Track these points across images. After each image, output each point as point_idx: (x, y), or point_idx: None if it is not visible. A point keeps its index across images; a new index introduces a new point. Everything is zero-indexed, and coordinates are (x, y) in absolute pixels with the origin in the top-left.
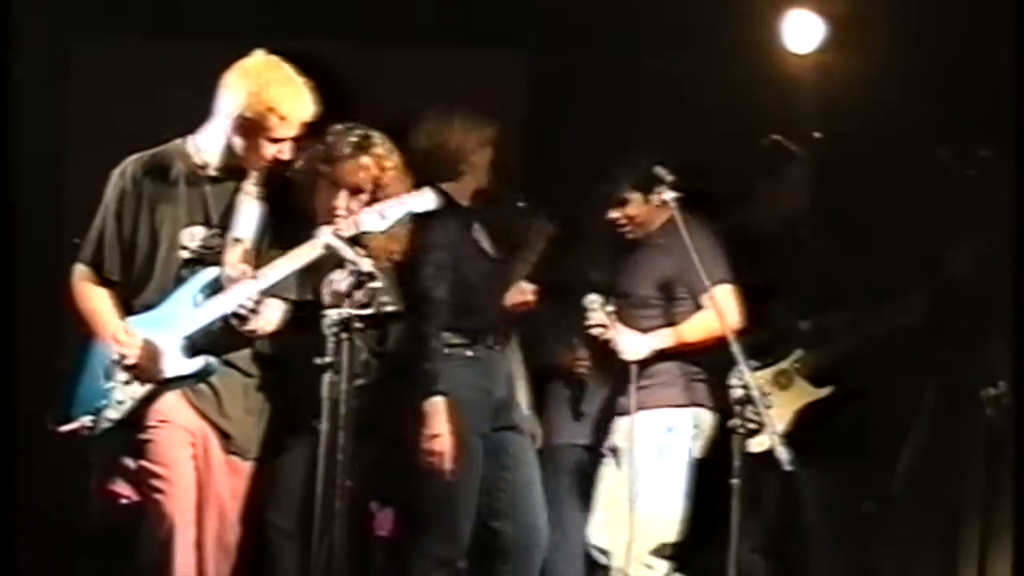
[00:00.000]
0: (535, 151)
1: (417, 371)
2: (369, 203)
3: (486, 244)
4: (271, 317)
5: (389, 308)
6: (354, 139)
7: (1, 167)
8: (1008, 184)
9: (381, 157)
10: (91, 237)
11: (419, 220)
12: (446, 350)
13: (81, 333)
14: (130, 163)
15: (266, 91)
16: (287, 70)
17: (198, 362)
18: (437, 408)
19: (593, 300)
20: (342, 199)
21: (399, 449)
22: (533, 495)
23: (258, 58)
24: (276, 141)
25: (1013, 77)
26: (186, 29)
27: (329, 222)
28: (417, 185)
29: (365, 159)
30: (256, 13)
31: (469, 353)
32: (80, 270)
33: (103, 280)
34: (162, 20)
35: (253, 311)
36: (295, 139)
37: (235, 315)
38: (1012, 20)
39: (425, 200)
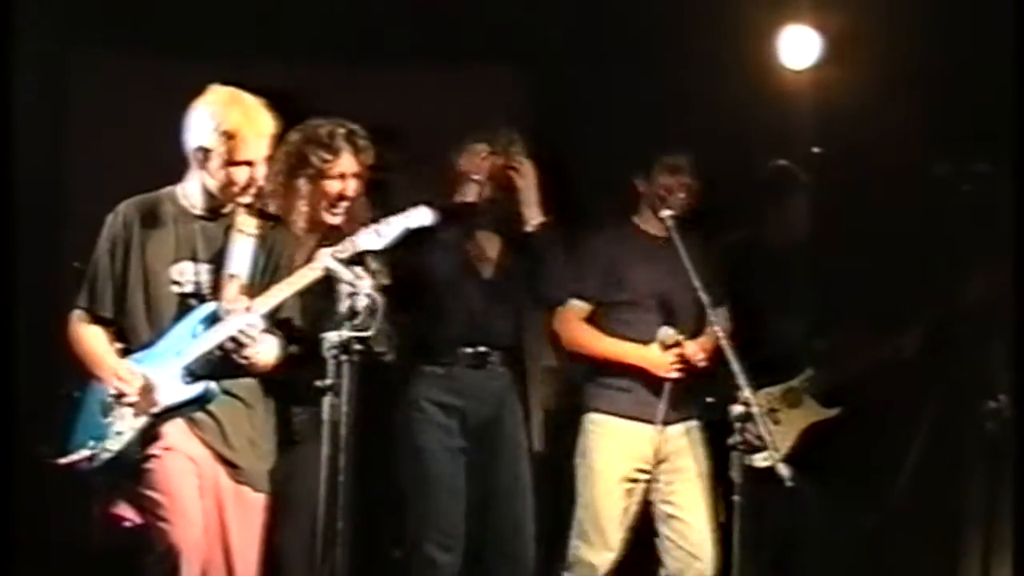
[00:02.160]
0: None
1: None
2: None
3: (481, 263)
4: (269, 350)
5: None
6: (342, 131)
7: (2, 193)
8: (1007, 197)
9: (363, 154)
10: (86, 281)
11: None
12: (425, 368)
13: (79, 368)
14: (123, 207)
15: (217, 118)
16: (240, 95)
17: (198, 387)
18: None
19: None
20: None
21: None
22: (513, 517)
23: (210, 92)
24: (241, 164)
25: (1012, 91)
26: (186, 50)
27: (312, 230)
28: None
29: (349, 158)
30: (253, 33)
31: (440, 371)
32: (77, 315)
33: (99, 322)
34: (165, 40)
35: (251, 338)
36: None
37: (234, 341)
38: (1009, 34)
39: (421, 216)
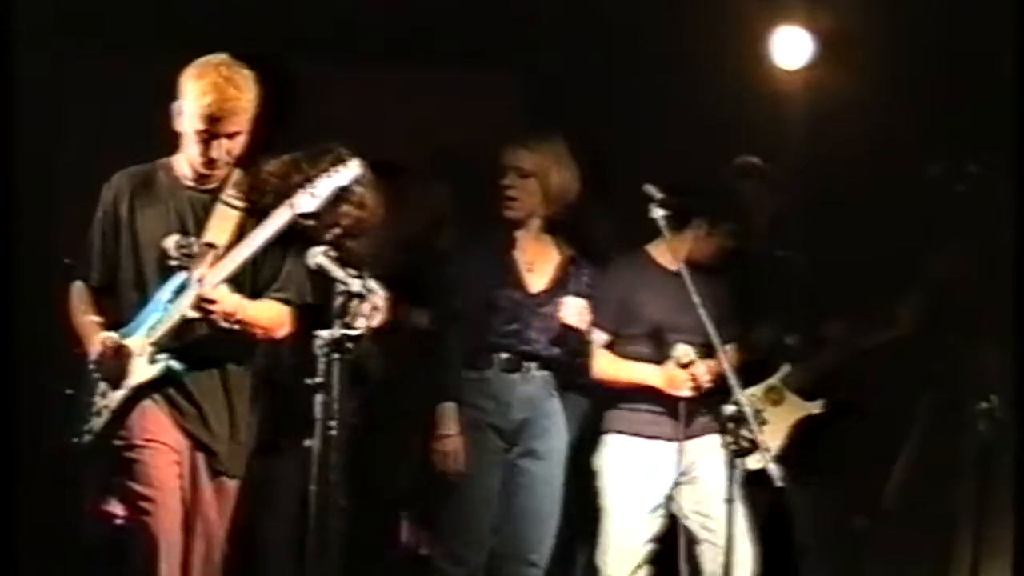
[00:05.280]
0: None
1: (431, 382)
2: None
3: (525, 268)
4: (274, 317)
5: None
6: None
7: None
8: (1004, 197)
9: (362, 198)
10: (82, 252)
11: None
12: (461, 371)
13: (77, 352)
14: (117, 177)
15: (196, 93)
16: (225, 66)
17: (158, 366)
18: (448, 411)
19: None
20: None
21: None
22: (535, 525)
23: (201, 60)
24: (222, 137)
25: (1010, 90)
26: (185, 45)
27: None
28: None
29: (345, 207)
30: (255, 31)
31: (474, 375)
32: (75, 286)
33: (94, 294)
34: (163, 37)
35: (209, 301)
36: (249, 135)
37: (198, 312)
38: (1003, 34)
39: (351, 172)
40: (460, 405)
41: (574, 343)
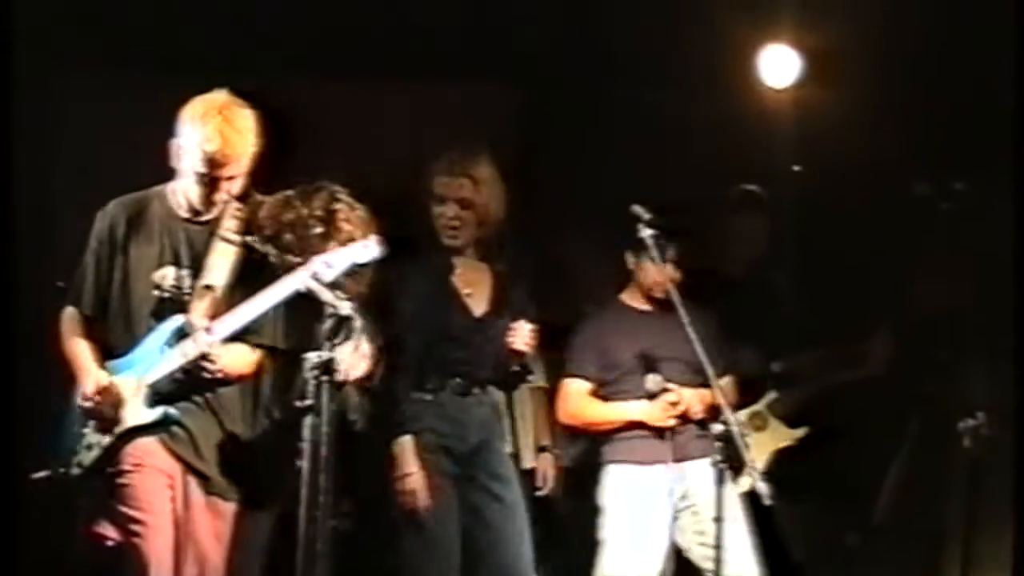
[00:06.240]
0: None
1: (385, 415)
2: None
3: (464, 293)
4: (237, 359)
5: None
6: (320, 214)
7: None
8: (992, 215)
9: (349, 224)
10: (75, 279)
11: (397, 266)
12: (413, 395)
13: (67, 375)
14: (111, 206)
15: (199, 136)
16: (228, 108)
17: (157, 412)
18: (405, 447)
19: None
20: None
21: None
22: (508, 548)
23: (201, 99)
24: (220, 180)
25: (1001, 109)
26: (184, 69)
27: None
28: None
29: (331, 243)
30: (248, 49)
31: (428, 398)
32: (66, 312)
33: (85, 321)
34: (162, 59)
35: (211, 362)
36: (248, 174)
37: (197, 365)
38: (991, 54)
39: (370, 251)
40: (415, 435)
41: (519, 366)
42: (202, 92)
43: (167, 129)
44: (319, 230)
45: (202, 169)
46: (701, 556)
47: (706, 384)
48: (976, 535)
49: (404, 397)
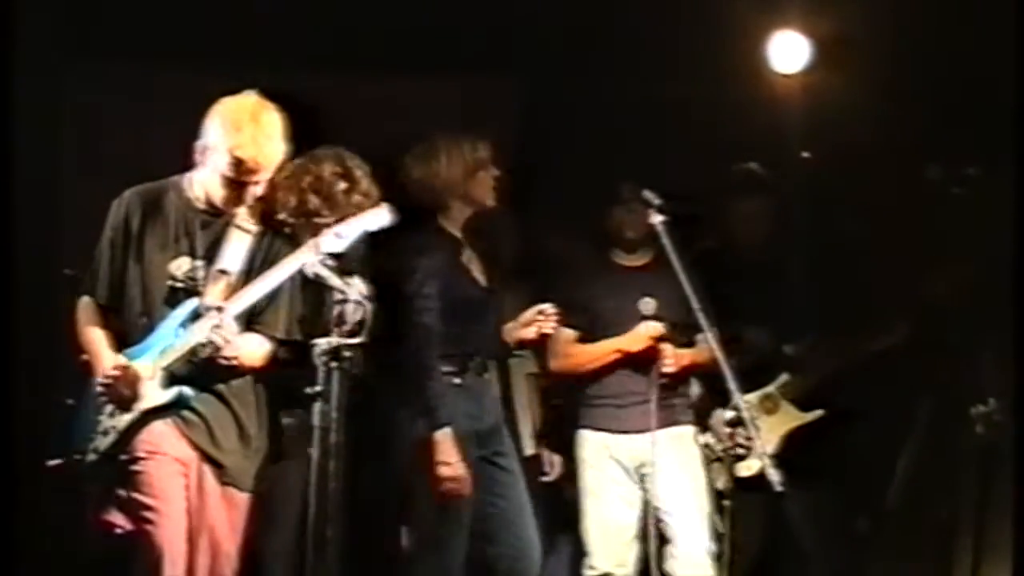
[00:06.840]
0: (522, 177)
1: (420, 402)
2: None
3: (477, 273)
4: (254, 351)
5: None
6: (338, 170)
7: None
8: (1003, 200)
9: (367, 191)
10: (91, 268)
11: (412, 248)
12: (444, 378)
13: (81, 366)
14: (127, 195)
15: (230, 140)
16: (259, 114)
17: (172, 392)
18: (447, 438)
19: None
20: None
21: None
22: (524, 519)
23: (233, 103)
24: (245, 184)
25: (1012, 93)
26: (187, 59)
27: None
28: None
29: (356, 197)
30: (253, 44)
31: (457, 381)
32: (82, 302)
33: (101, 311)
34: (163, 50)
35: (224, 339)
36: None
37: (208, 343)
38: (1001, 37)
39: (381, 218)
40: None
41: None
42: (197, 83)
43: (168, 120)
44: (343, 185)
45: (231, 174)
46: (662, 521)
47: (689, 344)
48: (987, 521)
49: (436, 379)
